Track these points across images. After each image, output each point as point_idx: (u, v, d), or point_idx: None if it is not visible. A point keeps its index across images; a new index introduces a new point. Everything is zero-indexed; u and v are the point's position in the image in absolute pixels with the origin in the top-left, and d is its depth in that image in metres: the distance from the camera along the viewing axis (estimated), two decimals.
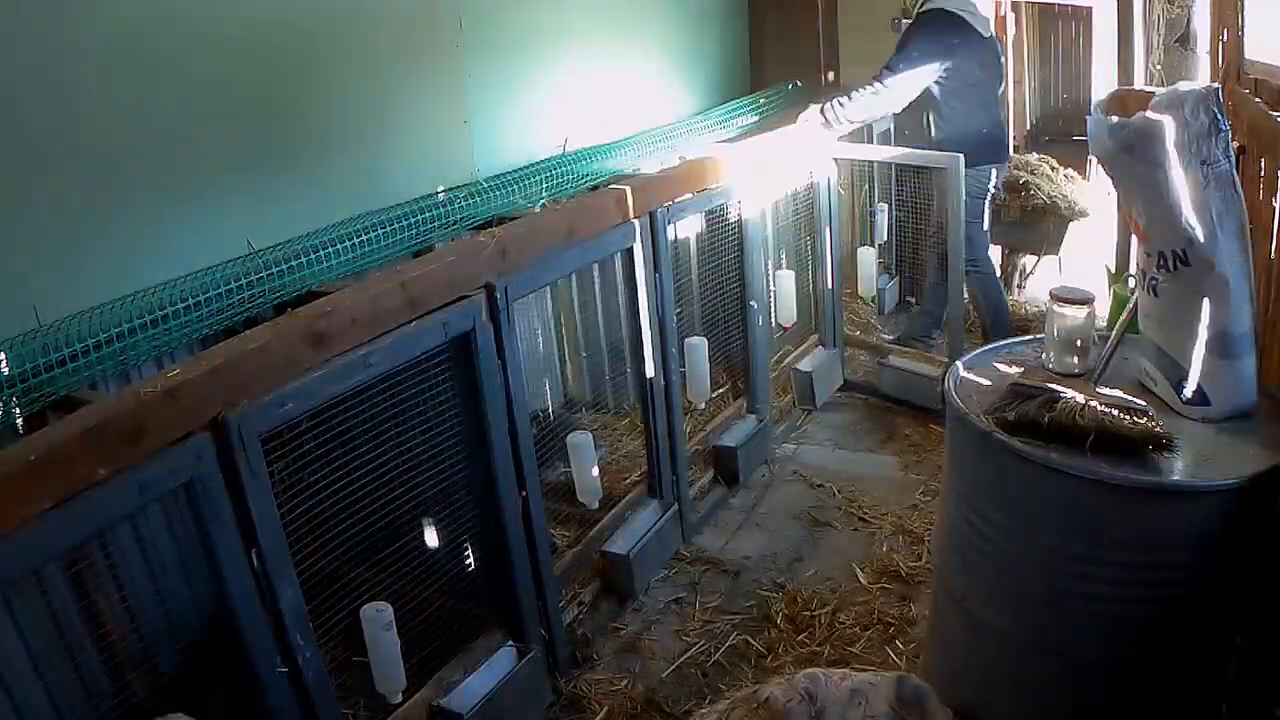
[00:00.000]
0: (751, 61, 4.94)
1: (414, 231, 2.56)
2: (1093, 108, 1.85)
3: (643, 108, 3.99)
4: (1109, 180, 2.00)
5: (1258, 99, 2.45)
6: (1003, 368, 2.03)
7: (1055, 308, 1.97)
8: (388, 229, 2.49)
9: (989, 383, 1.96)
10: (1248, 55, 2.78)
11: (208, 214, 2.31)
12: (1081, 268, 5.07)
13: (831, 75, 4.85)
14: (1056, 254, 4.80)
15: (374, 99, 2.75)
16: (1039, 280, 5.05)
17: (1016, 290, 4.98)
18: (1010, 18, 7.96)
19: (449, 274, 2.11)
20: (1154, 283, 1.81)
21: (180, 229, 2.24)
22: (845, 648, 2.53)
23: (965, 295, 3.74)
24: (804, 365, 3.90)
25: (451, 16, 2.97)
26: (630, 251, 2.71)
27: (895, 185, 4.34)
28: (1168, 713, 1.82)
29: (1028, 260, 5.02)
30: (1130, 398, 1.81)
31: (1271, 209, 2.20)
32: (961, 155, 3.40)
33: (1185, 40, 3.75)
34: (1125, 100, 1.85)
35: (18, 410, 1.76)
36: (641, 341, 2.81)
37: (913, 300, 4.61)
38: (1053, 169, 4.70)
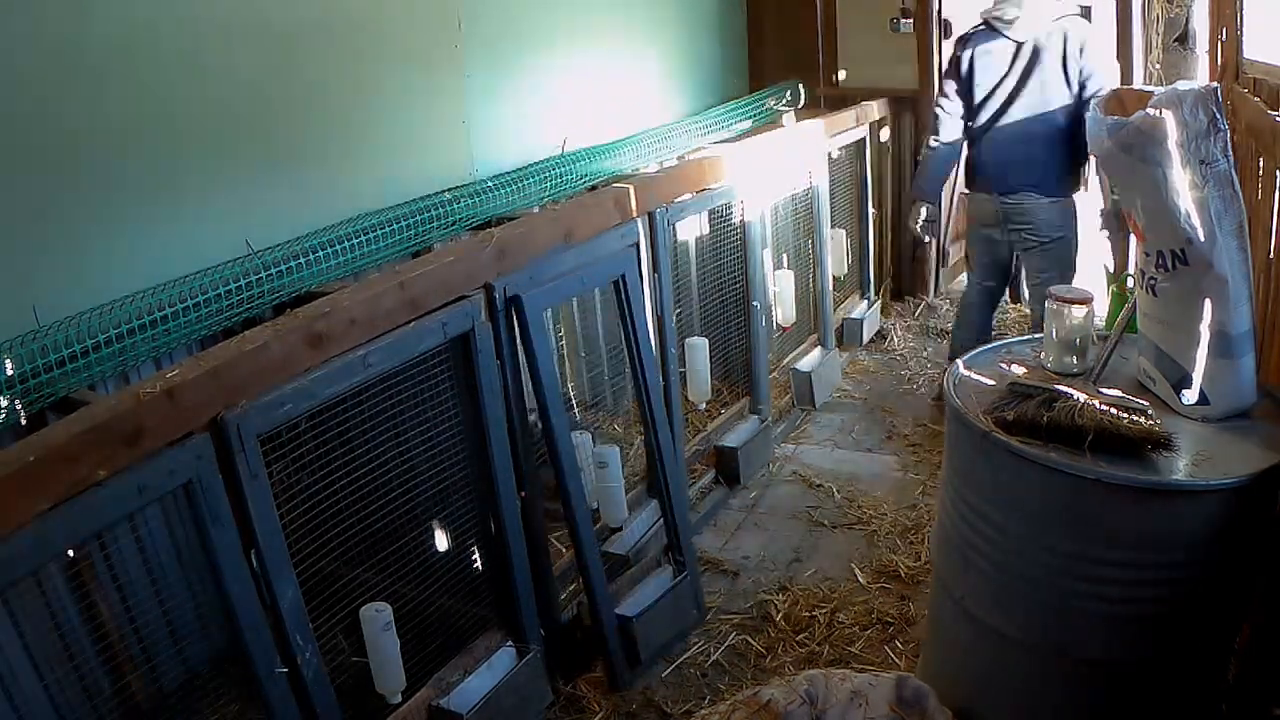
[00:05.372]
0: (751, 62, 4.95)
1: (413, 232, 2.56)
2: (1091, 106, 1.85)
3: (642, 108, 3.99)
4: (1108, 180, 2.00)
5: (1256, 98, 2.44)
6: (1002, 367, 2.03)
7: (1054, 307, 1.97)
8: (386, 229, 2.49)
9: (989, 382, 1.96)
10: (1247, 54, 2.78)
11: (207, 214, 2.31)
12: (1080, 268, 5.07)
13: (832, 76, 4.85)
14: None
15: (373, 99, 2.74)
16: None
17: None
18: None
19: (448, 274, 2.11)
20: (1153, 282, 1.81)
21: (180, 229, 2.24)
22: (845, 647, 2.53)
23: None
24: (803, 365, 3.91)
25: (451, 16, 2.97)
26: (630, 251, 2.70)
27: None
28: (1167, 713, 1.82)
29: None
30: (1129, 397, 1.81)
31: (1271, 209, 2.20)
32: None
33: (1184, 39, 3.75)
34: (1124, 99, 1.85)
35: (20, 410, 1.76)
36: (641, 341, 2.80)
37: None
38: None
